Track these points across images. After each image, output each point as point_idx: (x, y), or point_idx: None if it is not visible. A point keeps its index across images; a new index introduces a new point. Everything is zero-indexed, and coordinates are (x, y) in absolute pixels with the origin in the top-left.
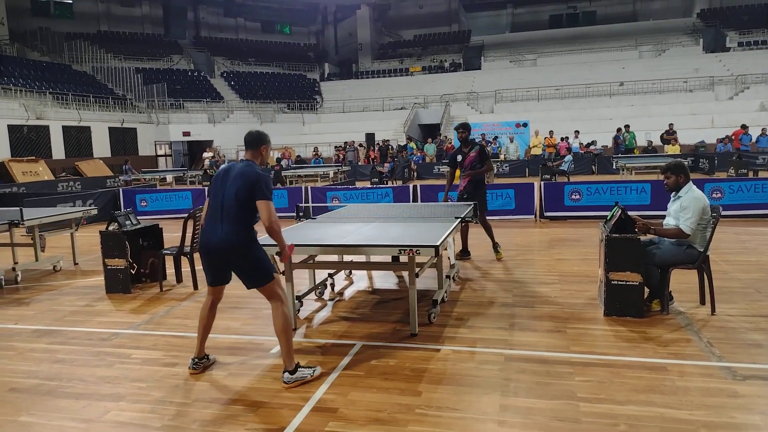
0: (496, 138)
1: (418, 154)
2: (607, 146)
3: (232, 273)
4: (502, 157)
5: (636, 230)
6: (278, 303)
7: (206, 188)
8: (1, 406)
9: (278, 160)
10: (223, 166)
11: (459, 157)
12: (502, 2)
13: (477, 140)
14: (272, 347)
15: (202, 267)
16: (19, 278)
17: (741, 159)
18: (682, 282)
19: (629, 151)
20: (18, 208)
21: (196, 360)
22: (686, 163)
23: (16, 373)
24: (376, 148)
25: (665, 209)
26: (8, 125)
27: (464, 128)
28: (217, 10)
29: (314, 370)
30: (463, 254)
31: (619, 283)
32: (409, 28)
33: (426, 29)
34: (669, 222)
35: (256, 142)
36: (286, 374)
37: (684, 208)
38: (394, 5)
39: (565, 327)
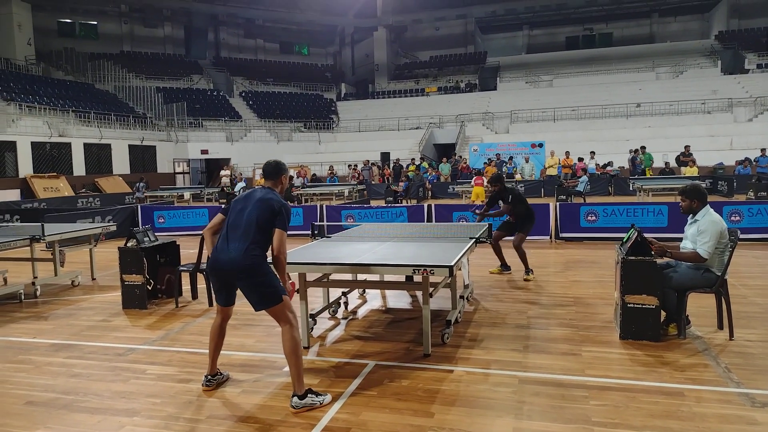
0: (511, 158)
1: (433, 173)
2: (623, 167)
3: (237, 294)
4: (518, 176)
5: (652, 253)
6: (288, 326)
7: (222, 206)
8: (19, 419)
9: (290, 178)
10: (240, 184)
11: (500, 203)
12: (518, 24)
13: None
14: (285, 365)
15: (211, 287)
16: (38, 292)
17: (760, 181)
18: (700, 306)
19: (645, 172)
20: (39, 224)
21: (209, 377)
22: (704, 185)
23: (33, 387)
24: (391, 166)
25: (682, 232)
26: (32, 142)
27: (497, 182)
28: (237, 31)
29: (324, 399)
30: (503, 269)
31: (636, 306)
32: (425, 50)
33: (442, 50)
34: (686, 245)
35: (276, 172)
36: (295, 399)
37: (701, 232)
38: (410, 27)
39: (580, 350)
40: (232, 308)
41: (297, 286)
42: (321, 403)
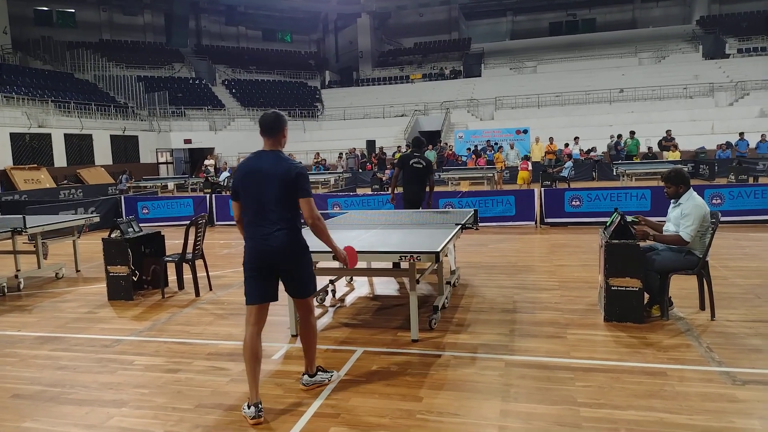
0: (499, 145)
1: None
2: (607, 152)
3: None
4: (503, 164)
5: (635, 236)
6: (311, 315)
7: (226, 191)
8: (5, 413)
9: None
10: (225, 174)
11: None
12: (502, 10)
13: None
14: (273, 353)
15: (245, 282)
16: (21, 285)
17: (741, 165)
18: (682, 288)
19: (630, 157)
20: (20, 216)
21: (260, 406)
22: (686, 169)
23: (19, 380)
24: (376, 154)
25: (665, 215)
26: (10, 133)
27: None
28: (218, 18)
29: (332, 375)
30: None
31: (619, 288)
32: (409, 36)
33: (426, 37)
34: (669, 228)
35: (276, 126)
36: (306, 377)
37: (685, 216)
38: (394, 14)
39: (565, 332)
40: (267, 309)
41: (354, 253)
42: (329, 380)
